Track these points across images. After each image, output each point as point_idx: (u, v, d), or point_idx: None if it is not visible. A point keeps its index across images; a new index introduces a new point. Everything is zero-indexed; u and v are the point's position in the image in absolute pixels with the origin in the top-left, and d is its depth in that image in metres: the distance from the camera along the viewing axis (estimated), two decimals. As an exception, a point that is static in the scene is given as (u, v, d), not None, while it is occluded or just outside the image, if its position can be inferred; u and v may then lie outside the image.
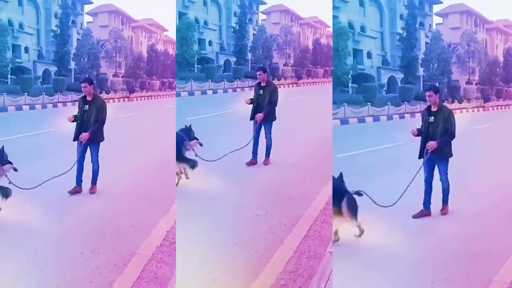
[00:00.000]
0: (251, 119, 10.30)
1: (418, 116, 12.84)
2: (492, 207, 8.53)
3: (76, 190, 9.06)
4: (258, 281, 6.90)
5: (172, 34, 12.91)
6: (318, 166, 9.40)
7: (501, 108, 13.03)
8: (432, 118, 8.26)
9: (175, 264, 7.33)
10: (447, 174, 8.24)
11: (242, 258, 7.29)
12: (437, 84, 12.98)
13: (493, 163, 10.08)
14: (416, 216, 8.25)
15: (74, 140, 9.04)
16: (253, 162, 10.29)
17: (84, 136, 8.88)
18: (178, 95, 12.96)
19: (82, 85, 9.07)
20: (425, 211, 8.29)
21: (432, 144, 8.11)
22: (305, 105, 12.00)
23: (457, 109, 12.78)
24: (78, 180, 9.08)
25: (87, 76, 12.66)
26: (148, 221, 8.14)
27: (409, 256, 7.26)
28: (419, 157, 8.28)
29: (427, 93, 8.33)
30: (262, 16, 13.51)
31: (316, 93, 12.87)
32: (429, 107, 8.36)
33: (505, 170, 9.58)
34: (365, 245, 7.52)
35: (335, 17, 12.28)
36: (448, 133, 8.18)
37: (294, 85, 13.49)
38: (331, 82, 12.73)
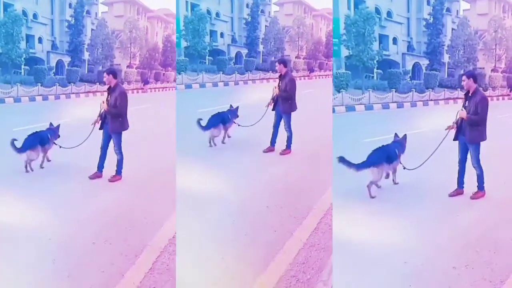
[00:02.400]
0: (273, 110, 10.50)
1: (442, 103, 12.97)
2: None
3: (96, 175, 9.34)
4: (268, 272, 6.97)
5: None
6: (330, 159, 9.39)
7: (527, 97, 12.97)
8: (467, 102, 8.47)
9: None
10: (478, 160, 8.42)
11: (252, 248, 7.36)
12: (462, 72, 12.95)
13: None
14: (452, 194, 8.60)
15: (99, 129, 9.40)
16: (270, 149, 10.49)
17: (104, 106, 9.24)
18: (189, 86, 12.98)
19: (103, 74, 9.42)
20: (459, 190, 8.62)
21: (462, 113, 8.40)
22: (317, 97, 11.96)
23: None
24: (99, 166, 9.37)
25: (109, 67, 12.69)
26: (161, 214, 8.19)
27: (432, 241, 7.33)
28: (454, 139, 8.54)
29: (462, 78, 8.59)
30: (274, 8, 13.45)
31: (328, 86, 12.84)
32: (467, 92, 8.52)
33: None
34: (388, 229, 7.63)
35: (362, 2, 12.28)
36: (478, 115, 8.32)
37: (306, 77, 13.46)
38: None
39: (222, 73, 13.42)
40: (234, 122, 11.04)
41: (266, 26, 13.42)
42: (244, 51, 13.49)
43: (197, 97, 12.83)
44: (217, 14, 13.41)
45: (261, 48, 13.43)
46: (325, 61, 13.51)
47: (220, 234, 7.65)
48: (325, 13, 13.49)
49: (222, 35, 13.48)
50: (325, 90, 12.24)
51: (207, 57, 13.25)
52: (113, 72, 9.37)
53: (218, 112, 11.02)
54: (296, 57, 13.39)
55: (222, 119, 10.95)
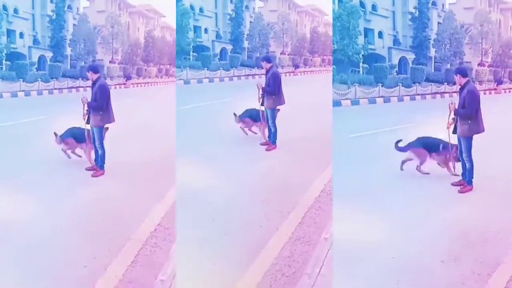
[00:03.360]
0: (262, 105, 10.52)
1: (429, 98, 13.01)
2: (503, 190, 8.58)
3: (93, 168, 9.40)
4: (254, 266, 6.94)
5: (170, 20, 12.81)
6: (315, 155, 9.42)
7: (514, 91, 13.04)
8: (459, 96, 8.60)
9: (170, 249, 7.38)
10: (469, 154, 8.48)
11: (238, 244, 7.33)
12: (448, 66, 12.98)
13: (505, 147, 10.03)
14: (455, 184, 8.69)
15: (86, 123, 9.44)
16: (266, 143, 10.52)
17: (85, 101, 9.31)
18: (174, 83, 12.92)
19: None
20: (463, 181, 8.67)
21: (451, 107, 8.53)
22: (303, 93, 11.98)
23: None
24: (95, 160, 9.46)
25: (91, 62, 12.66)
26: (143, 207, 8.15)
27: (420, 236, 7.34)
28: (453, 132, 8.67)
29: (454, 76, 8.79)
30: (259, 3, 13.43)
31: (313, 82, 12.88)
32: (460, 87, 8.63)
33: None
34: (376, 224, 7.63)
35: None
36: (465, 109, 8.41)
37: (291, 74, 13.46)
38: (330, 72, 12.69)
39: (207, 70, 13.37)
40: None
41: (250, 22, 13.40)
42: (229, 47, 13.45)
43: (181, 93, 12.78)
44: (201, 10, 13.35)
45: (246, 44, 13.39)
46: (310, 57, 13.51)
47: (207, 230, 7.62)
48: (310, 9, 13.50)
49: (206, 30, 13.43)
50: (311, 86, 12.30)
51: (191, 53, 13.19)
52: (93, 68, 9.49)
53: (254, 108, 10.91)
54: (281, 53, 13.37)
55: (250, 115, 10.98)
